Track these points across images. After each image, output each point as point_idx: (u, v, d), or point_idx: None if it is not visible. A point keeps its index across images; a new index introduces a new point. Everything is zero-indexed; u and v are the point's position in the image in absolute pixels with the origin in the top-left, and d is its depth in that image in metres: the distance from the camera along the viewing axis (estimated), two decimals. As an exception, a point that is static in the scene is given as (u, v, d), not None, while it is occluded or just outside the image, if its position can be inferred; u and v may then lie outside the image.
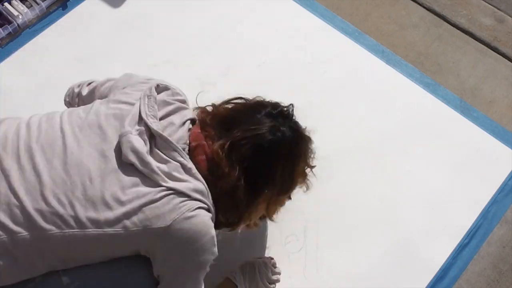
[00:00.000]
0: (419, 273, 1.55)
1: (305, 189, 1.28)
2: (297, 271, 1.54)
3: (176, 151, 1.07)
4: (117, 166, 1.04)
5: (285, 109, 1.18)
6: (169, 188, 1.03)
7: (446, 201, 1.66)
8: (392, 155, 1.73)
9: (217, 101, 1.24)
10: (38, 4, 1.97)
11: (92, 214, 1.00)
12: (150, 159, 1.04)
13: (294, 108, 1.20)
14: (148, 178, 1.03)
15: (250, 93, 1.80)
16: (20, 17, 1.94)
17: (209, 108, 1.21)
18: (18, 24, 1.95)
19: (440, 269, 1.55)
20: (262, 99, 1.22)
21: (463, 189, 1.68)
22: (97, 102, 1.17)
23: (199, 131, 1.13)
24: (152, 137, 1.08)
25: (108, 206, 1.01)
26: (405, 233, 1.60)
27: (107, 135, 1.08)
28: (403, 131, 1.78)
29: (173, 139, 1.08)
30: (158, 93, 1.16)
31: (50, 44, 1.93)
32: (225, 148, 1.07)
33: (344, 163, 1.71)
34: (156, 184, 1.03)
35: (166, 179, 1.03)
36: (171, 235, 1.03)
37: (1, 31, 1.90)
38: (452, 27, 2.05)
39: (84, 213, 1.00)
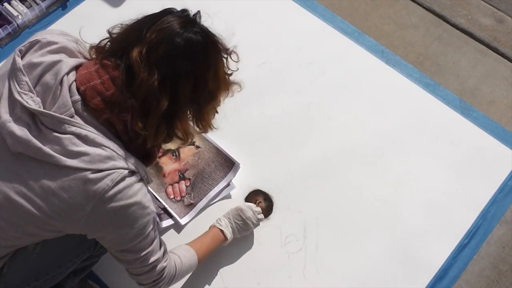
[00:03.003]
0: (419, 273, 1.55)
1: (230, 95, 1.18)
2: (297, 271, 1.54)
3: (63, 122, 0.97)
4: (10, 160, 0.99)
5: (192, 14, 1.10)
6: (73, 169, 0.96)
7: (445, 201, 1.66)
8: (392, 155, 1.73)
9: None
10: (37, 4, 1.97)
11: (4, 214, 1.01)
12: (37, 144, 0.96)
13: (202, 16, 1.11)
14: (46, 163, 0.97)
15: (250, 93, 1.81)
16: (19, 17, 1.93)
17: (104, 41, 1.09)
18: (17, 24, 1.94)
19: (439, 269, 1.55)
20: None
21: (462, 189, 1.68)
22: None
23: (86, 71, 1.02)
24: (35, 116, 0.98)
25: (15, 205, 0.99)
26: (405, 233, 1.60)
27: None
28: (403, 131, 1.78)
29: (56, 108, 0.98)
30: (24, 56, 1.04)
31: (50, 44, 1.92)
32: (143, 53, 0.98)
33: (344, 163, 1.71)
34: (57, 168, 0.96)
35: (64, 158, 0.96)
36: (95, 220, 1.01)
37: (1, 31, 1.90)
38: (451, 27, 2.05)
39: None
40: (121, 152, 1.01)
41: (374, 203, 1.65)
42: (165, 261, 1.15)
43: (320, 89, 1.85)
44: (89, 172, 0.96)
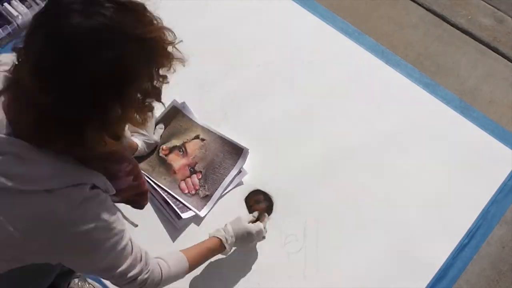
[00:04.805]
0: (419, 273, 1.55)
1: (171, 71, 1.00)
2: (297, 271, 1.54)
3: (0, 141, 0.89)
4: None
5: None
6: (21, 193, 0.89)
7: (445, 201, 1.66)
8: (392, 155, 1.73)
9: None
10: (37, 4, 1.97)
11: None
12: None
13: None
14: None
15: (250, 93, 1.80)
16: (19, 17, 1.93)
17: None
18: (17, 25, 1.94)
19: (440, 269, 1.55)
20: None
21: (462, 189, 1.68)
22: None
23: (7, 96, 0.92)
24: None
25: None
26: (405, 233, 1.60)
27: None
28: (403, 131, 1.78)
29: None
30: None
31: (50, 44, 1.92)
32: (31, 67, 0.83)
33: (344, 163, 1.71)
34: (7, 194, 0.89)
35: (4, 180, 0.88)
36: (57, 248, 0.94)
37: (1, 31, 1.90)
38: (451, 27, 2.05)
39: None
40: (69, 166, 0.92)
41: (374, 203, 1.65)
42: (147, 273, 1.10)
43: (320, 89, 1.85)
44: (39, 194, 0.89)
